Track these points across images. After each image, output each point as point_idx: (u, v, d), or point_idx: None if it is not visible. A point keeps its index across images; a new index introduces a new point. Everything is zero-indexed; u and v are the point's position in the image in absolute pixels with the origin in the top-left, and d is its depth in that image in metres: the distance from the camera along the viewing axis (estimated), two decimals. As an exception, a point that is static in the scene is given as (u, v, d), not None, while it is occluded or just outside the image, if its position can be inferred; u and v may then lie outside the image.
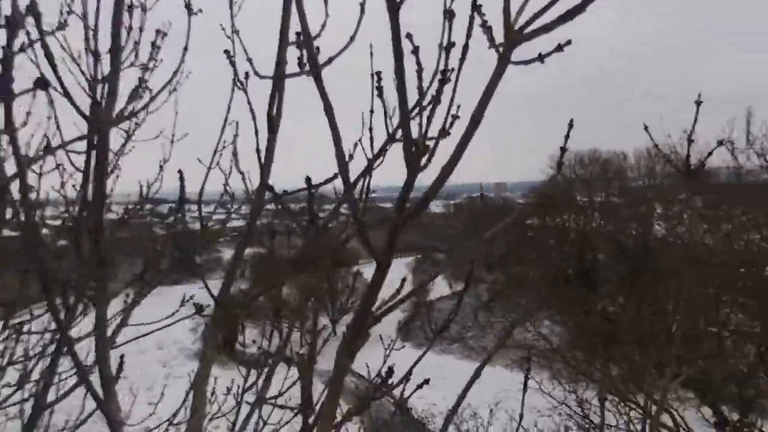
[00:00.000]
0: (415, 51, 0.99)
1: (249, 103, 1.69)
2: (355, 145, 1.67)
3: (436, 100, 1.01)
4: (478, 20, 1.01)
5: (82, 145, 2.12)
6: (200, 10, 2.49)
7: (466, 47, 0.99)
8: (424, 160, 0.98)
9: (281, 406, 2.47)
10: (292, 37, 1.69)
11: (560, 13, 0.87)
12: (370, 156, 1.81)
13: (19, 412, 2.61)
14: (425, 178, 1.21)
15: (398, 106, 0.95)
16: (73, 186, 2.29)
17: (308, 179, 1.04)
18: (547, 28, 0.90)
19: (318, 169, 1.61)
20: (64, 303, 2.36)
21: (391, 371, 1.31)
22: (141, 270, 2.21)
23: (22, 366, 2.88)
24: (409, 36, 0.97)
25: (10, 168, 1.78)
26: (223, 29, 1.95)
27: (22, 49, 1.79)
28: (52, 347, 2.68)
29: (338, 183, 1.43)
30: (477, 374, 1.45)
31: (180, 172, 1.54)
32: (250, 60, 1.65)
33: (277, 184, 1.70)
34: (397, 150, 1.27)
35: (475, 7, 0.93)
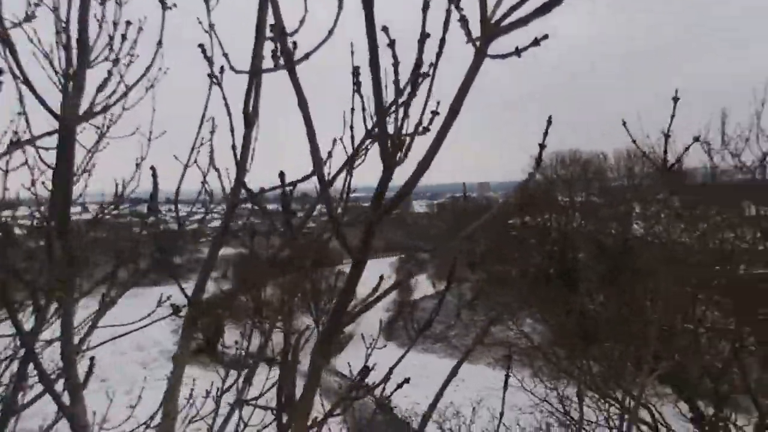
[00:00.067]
0: (391, 44, 0.97)
1: (224, 98, 1.66)
2: (334, 141, 1.64)
3: (411, 93, 0.99)
4: (456, 15, 1.00)
5: (54, 142, 2.06)
6: (174, 5, 2.44)
7: (443, 41, 0.97)
8: (400, 156, 0.97)
9: (263, 407, 2.43)
10: (269, 33, 1.66)
11: (537, 6, 0.87)
12: (349, 154, 1.79)
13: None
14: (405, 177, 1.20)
15: (373, 100, 0.94)
16: (43, 183, 2.22)
17: (282, 175, 1.01)
18: (523, 21, 0.89)
19: (306, 168, 1.58)
20: (34, 304, 2.29)
21: (367, 370, 1.29)
22: (112, 269, 2.15)
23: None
24: (385, 29, 0.96)
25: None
26: (200, 23, 1.91)
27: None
28: (23, 351, 2.60)
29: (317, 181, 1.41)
30: (454, 372, 1.44)
31: (153, 168, 1.49)
32: (225, 55, 1.61)
33: (267, 184, 1.66)
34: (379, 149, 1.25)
35: (452, 0, 0.92)
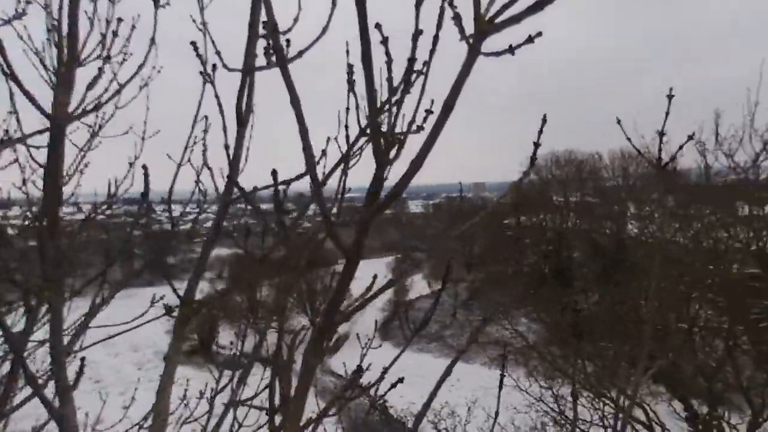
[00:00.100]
0: (384, 41, 0.96)
1: (216, 96, 1.64)
2: (327, 140, 1.63)
3: (405, 90, 0.99)
4: (450, 13, 0.99)
5: (46, 141, 2.04)
6: (168, 3, 2.42)
7: (436, 38, 0.97)
8: (393, 153, 0.96)
9: (258, 407, 2.42)
10: (262, 31, 1.65)
11: (529, 4, 0.86)
12: (347, 155, 1.78)
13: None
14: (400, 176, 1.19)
15: (366, 97, 0.93)
16: (33, 183, 2.20)
17: (274, 173, 1.00)
18: (516, 19, 0.89)
19: (302, 167, 1.56)
20: (25, 305, 2.26)
21: (360, 370, 1.29)
22: (102, 268, 2.12)
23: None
24: (378, 26, 0.95)
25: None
26: (194, 21, 1.90)
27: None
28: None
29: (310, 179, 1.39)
30: (448, 372, 1.43)
31: (144, 167, 1.48)
32: (218, 53, 1.60)
33: (264, 184, 1.64)
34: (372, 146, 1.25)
35: (446, -2, 0.91)
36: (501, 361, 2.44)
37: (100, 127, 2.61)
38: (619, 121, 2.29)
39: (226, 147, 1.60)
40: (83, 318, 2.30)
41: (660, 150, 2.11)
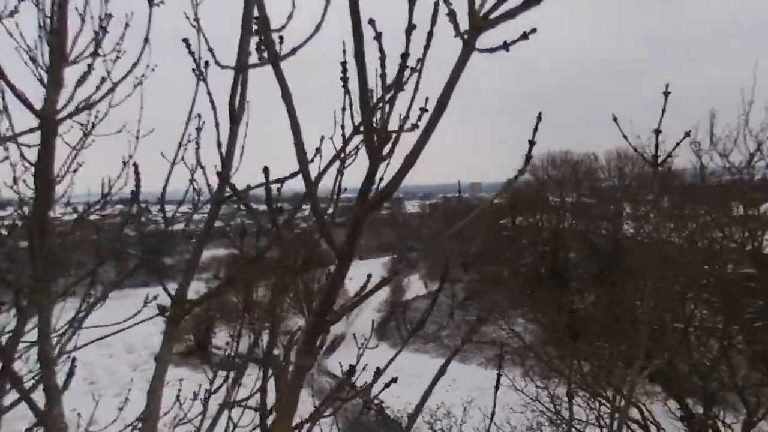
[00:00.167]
0: (378, 37, 0.95)
1: (209, 93, 1.63)
2: (321, 138, 1.62)
3: (398, 87, 0.97)
4: (444, 9, 0.98)
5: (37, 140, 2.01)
6: (162, 2, 2.40)
7: (430, 34, 0.96)
8: (386, 150, 0.95)
9: (254, 408, 2.40)
10: (255, 27, 1.63)
11: (524, 0, 0.85)
12: (341, 154, 1.77)
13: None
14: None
15: (359, 93, 0.92)
16: (24, 181, 2.17)
17: (266, 170, 0.99)
18: (511, 14, 0.88)
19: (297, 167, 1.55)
20: (16, 305, 2.24)
21: (353, 369, 1.28)
22: (92, 268, 2.10)
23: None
24: (371, 22, 0.94)
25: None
26: (187, 17, 1.88)
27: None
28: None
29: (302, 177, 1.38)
30: (442, 371, 1.42)
31: (135, 165, 1.46)
32: (211, 50, 1.59)
33: (259, 182, 1.62)
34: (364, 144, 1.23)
35: (440, -7, 0.90)
36: (497, 361, 2.43)
37: (93, 125, 2.59)
38: (615, 119, 2.29)
39: (219, 145, 1.58)
40: (75, 319, 2.28)
41: (657, 147, 2.11)
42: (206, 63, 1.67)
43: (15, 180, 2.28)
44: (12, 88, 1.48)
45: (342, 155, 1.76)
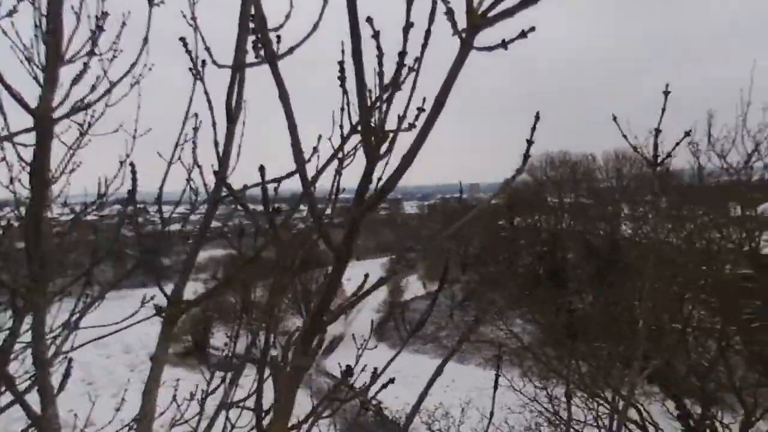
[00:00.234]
0: (375, 35, 0.95)
1: (206, 92, 1.62)
2: (319, 138, 1.62)
3: (395, 85, 0.97)
4: (442, 8, 0.97)
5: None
6: (162, 2, 2.39)
7: (428, 32, 0.95)
8: (383, 149, 0.94)
9: (252, 409, 2.38)
10: (252, 26, 1.62)
11: (522, -3, 0.85)
12: (339, 154, 1.76)
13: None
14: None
15: (356, 92, 0.91)
16: (19, 181, 2.16)
17: (262, 169, 0.98)
18: (509, 13, 0.87)
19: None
20: (12, 306, 2.22)
21: (350, 370, 1.27)
22: (87, 267, 2.09)
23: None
24: (369, 20, 0.93)
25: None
26: (184, 16, 1.87)
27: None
28: None
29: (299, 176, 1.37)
30: (439, 371, 1.42)
31: (132, 165, 1.45)
32: (207, 48, 1.58)
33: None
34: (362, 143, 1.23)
35: (438, -9, 0.90)
36: (496, 362, 2.42)
37: (90, 125, 2.57)
38: (614, 118, 2.29)
39: (216, 144, 1.57)
40: (70, 319, 2.26)
41: (656, 146, 2.11)
42: (203, 62, 1.66)
43: (11, 180, 2.27)
44: (7, 87, 1.47)
45: (340, 155, 1.75)
